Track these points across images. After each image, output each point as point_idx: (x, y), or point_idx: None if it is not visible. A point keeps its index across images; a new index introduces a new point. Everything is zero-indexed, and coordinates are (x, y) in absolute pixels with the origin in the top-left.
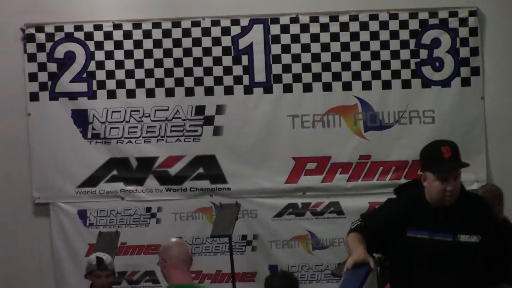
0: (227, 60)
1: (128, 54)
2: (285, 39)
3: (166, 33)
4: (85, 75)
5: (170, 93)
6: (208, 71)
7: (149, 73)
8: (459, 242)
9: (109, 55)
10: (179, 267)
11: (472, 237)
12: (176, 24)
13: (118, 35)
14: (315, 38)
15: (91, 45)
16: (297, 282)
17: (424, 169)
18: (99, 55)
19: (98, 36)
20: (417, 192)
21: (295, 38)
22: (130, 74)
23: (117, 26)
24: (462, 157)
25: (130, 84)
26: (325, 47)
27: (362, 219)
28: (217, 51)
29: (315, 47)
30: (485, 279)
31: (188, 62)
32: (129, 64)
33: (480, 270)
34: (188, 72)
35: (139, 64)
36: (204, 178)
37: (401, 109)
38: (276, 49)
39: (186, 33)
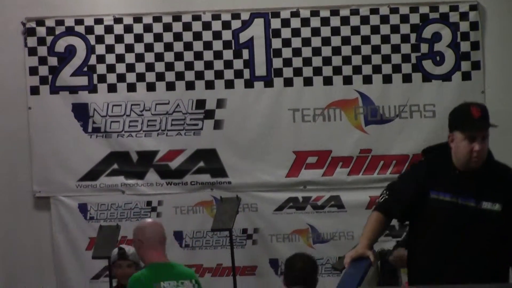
0: (228, 54)
1: (129, 48)
2: (286, 33)
3: (167, 27)
4: (85, 69)
5: (170, 87)
6: (208, 65)
7: (149, 67)
8: (481, 209)
9: (109, 49)
10: (155, 247)
11: (494, 205)
12: (176, 18)
13: (118, 29)
14: (315, 32)
15: (91, 39)
16: (317, 264)
17: (452, 129)
18: (100, 49)
19: (99, 30)
20: (444, 154)
21: (296, 32)
22: (130, 68)
23: (118, 20)
24: None
25: (131, 78)
26: (326, 41)
27: (388, 190)
28: (217, 45)
29: (316, 41)
30: (505, 260)
31: (188, 56)
32: (130, 58)
33: (498, 242)
34: (189, 66)
35: (139, 58)
36: (205, 172)
37: (401, 103)
38: (276, 43)
39: (187, 27)
